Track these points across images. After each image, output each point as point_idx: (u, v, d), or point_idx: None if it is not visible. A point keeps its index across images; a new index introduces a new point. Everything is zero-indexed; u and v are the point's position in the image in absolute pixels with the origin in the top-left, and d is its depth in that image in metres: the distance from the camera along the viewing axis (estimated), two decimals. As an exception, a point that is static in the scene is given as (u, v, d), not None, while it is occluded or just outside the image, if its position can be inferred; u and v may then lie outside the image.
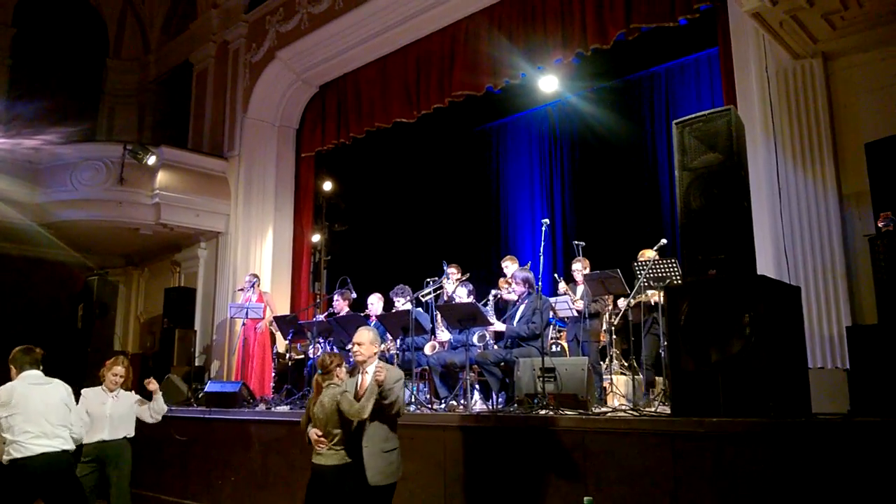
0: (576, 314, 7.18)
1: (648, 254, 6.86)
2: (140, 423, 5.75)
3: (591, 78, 10.03)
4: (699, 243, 4.68)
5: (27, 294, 11.76)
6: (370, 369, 4.47)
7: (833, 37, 5.87)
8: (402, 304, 7.62)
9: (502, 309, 7.52)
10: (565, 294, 7.32)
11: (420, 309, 7.48)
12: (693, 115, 4.88)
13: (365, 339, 4.55)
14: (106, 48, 14.22)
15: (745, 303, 4.32)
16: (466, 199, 12.30)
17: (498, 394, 6.69)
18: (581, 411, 5.31)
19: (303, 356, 9.18)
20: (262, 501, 6.99)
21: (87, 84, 13.92)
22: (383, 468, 4.32)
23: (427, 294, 7.42)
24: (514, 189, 11.84)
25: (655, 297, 6.52)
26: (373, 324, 7.75)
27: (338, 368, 4.63)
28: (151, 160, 10.53)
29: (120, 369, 5.58)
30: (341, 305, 8.48)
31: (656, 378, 6.65)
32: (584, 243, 7.56)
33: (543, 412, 5.31)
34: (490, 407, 6.44)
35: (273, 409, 7.70)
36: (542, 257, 6.43)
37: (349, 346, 4.75)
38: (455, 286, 7.66)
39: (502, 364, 6.67)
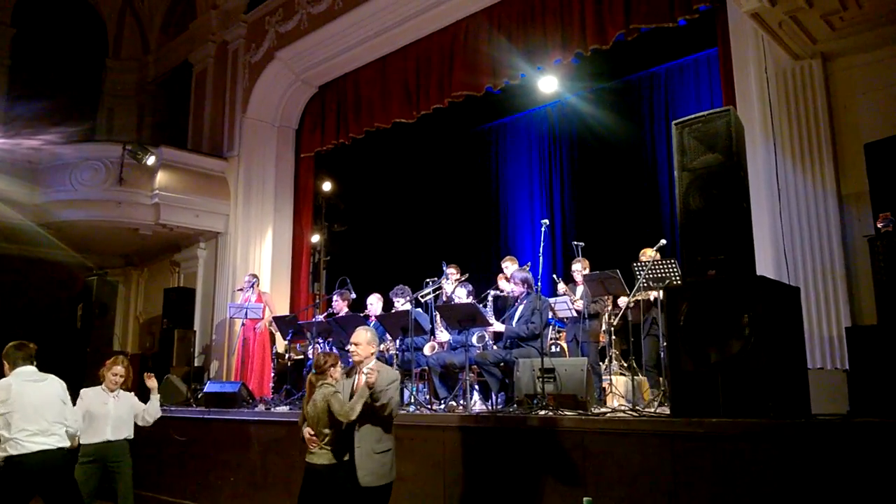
0: (575, 315, 7.17)
1: (650, 253, 6.85)
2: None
3: (591, 78, 10.04)
4: (698, 244, 4.68)
5: (26, 294, 11.76)
6: (366, 370, 4.47)
7: (832, 37, 5.87)
8: (401, 304, 7.62)
9: (501, 309, 7.51)
10: (565, 294, 7.31)
11: (419, 309, 7.48)
12: (692, 116, 4.88)
13: (362, 340, 4.54)
14: (105, 48, 14.22)
15: (744, 303, 4.32)
16: (466, 200, 12.30)
17: (497, 394, 6.69)
18: (580, 412, 5.31)
19: (302, 356, 9.18)
20: (261, 502, 6.99)
21: (86, 84, 13.91)
22: (375, 469, 4.30)
23: (426, 294, 7.42)
24: (513, 189, 11.84)
25: (653, 292, 6.53)
26: (372, 324, 7.74)
27: (332, 368, 4.62)
28: (151, 160, 10.53)
29: (120, 369, 5.56)
30: (340, 306, 8.48)
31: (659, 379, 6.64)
32: (583, 244, 7.56)
33: (543, 413, 5.31)
34: (489, 407, 6.44)
35: (272, 409, 7.70)
36: (541, 258, 6.43)
37: (348, 347, 4.75)
38: (454, 287, 7.66)
39: (502, 364, 6.67)
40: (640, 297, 6.62)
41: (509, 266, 7.94)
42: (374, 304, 8.17)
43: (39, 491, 4.81)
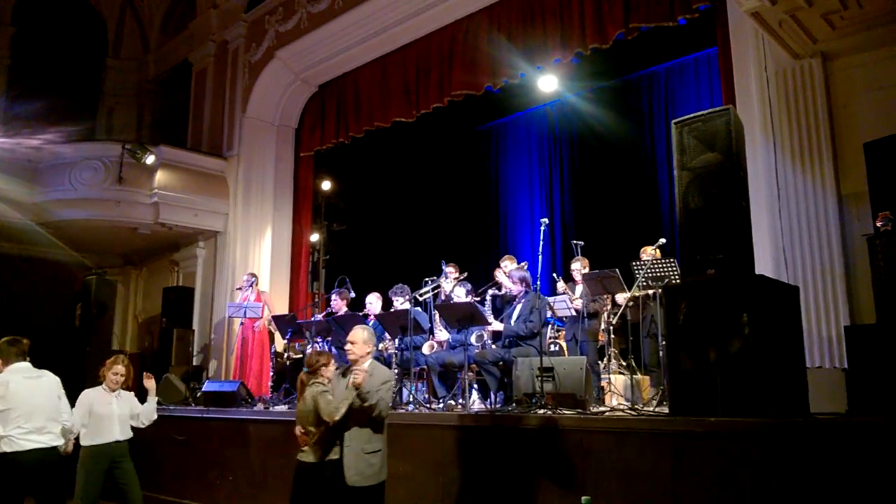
0: (574, 314, 7.17)
1: (650, 251, 6.85)
2: None
3: (591, 78, 10.03)
4: (698, 243, 4.67)
5: (25, 293, 11.75)
6: (354, 370, 4.46)
7: (832, 37, 5.86)
8: (400, 303, 7.62)
9: (499, 308, 7.51)
10: (564, 293, 7.31)
11: (418, 308, 7.48)
12: (692, 115, 4.88)
13: (358, 339, 4.52)
14: (105, 48, 14.22)
15: (743, 302, 4.32)
16: (465, 199, 12.30)
17: (496, 393, 6.69)
18: (579, 411, 5.30)
19: (301, 356, 9.16)
20: (260, 501, 6.99)
21: (86, 83, 13.91)
22: (363, 469, 4.27)
23: (425, 293, 7.42)
24: (513, 189, 11.85)
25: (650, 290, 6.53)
26: (371, 323, 7.74)
27: (324, 368, 4.61)
28: (150, 159, 10.53)
29: (120, 368, 5.52)
30: (340, 305, 8.47)
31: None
32: (582, 243, 7.56)
33: (542, 412, 5.31)
34: (488, 406, 6.44)
35: (271, 408, 7.70)
36: (540, 257, 6.42)
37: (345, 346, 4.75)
38: (453, 285, 7.67)
39: (500, 363, 6.67)
40: (637, 294, 6.60)
41: (508, 265, 7.94)
42: (373, 303, 8.16)
43: (31, 489, 4.80)
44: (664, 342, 5.29)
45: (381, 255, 12.45)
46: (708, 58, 8.96)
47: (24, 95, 12.25)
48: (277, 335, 9.53)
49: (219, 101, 11.95)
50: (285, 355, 9.31)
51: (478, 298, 7.58)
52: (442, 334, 7.69)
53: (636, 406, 5.49)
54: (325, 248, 12.41)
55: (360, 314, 8.03)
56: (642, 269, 6.24)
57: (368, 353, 4.56)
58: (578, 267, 7.39)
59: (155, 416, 5.74)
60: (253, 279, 10.03)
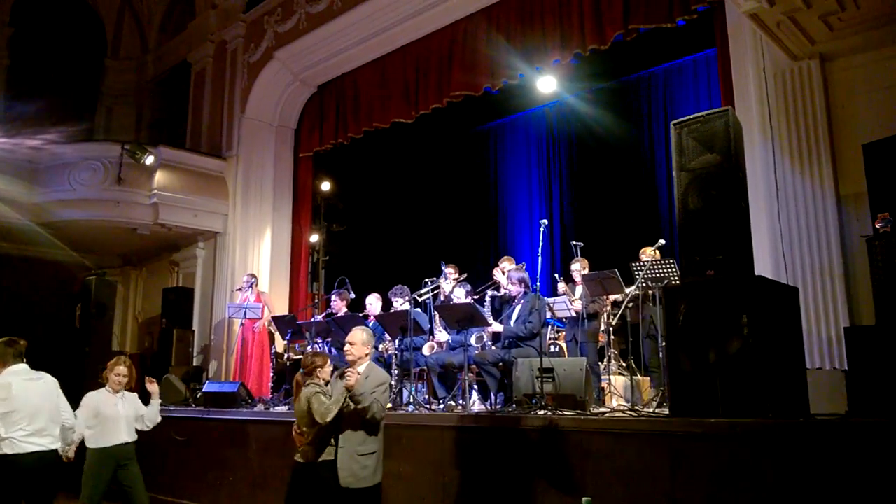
0: (574, 314, 7.18)
1: (650, 251, 6.86)
2: None
3: (590, 79, 10.04)
4: (697, 244, 4.68)
5: (25, 294, 11.75)
6: (360, 370, 4.47)
7: (830, 38, 5.88)
8: (400, 304, 7.63)
9: (498, 309, 7.52)
10: (564, 294, 7.32)
11: (418, 309, 7.48)
12: (691, 116, 4.89)
13: (357, 340, 4.53)
14: (104, 48, 14.21)
15: (742, 303, 4.33)
16: (464, 200, 12.30)
17: (496, 394, 6.69)
18: (579, 412, 5.31)
19: (301, 357, 9.17)
20: (259, 501, 6.99)
21: (84, 84, 13.90)
22: (356, 471, 4.27)
23: (425, 294, 7.42)
24: (512, 189, 11.85)
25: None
26: (371, 324, 7.75)
27: (319, 369, 4.62)
28: (149, 160, 10.53)
29: (122, 369, 5.48)
30: (339, 306, 8.48)
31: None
32: (582, 244, 7.57)
33: (542, 413, 5.31)
34: (488, 407, 6.44)
35: (271, 409, 7.70)
36: (540, 258, 6.43)
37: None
38: (453, 286, 7.67)
39: (500, 364, 6.68)
40: (635, 291, 6.59)
41: (506, 266, 7.94)
42: (373, 303, 8.17)
43: (28, 492, 4.80)
44: (664, 343, 5.30)
45: (381, 256, 12.45)
46: (707, 59, 8.97)
47: (22, 96, 12.23)
48: (277, 336, 9.54)
49: (218, 101, 11.96)
50: (285, 356, 9.30)
51: (476, 297, 7.59)
52: (442, 335, 7.69)
53: (636, 407, 5.50)
54: (324, 249, 12.42)
55: (360, 315, 8.03)
56: (642, 270, 6.25)
57: (367, 355, 4.56)
58: (578, 268, 7.39)
59: (159, 419, 5.73)
60: (253, 280, 10.04)
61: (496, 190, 12.08)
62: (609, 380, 6.57)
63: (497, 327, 7.00)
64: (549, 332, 7.66)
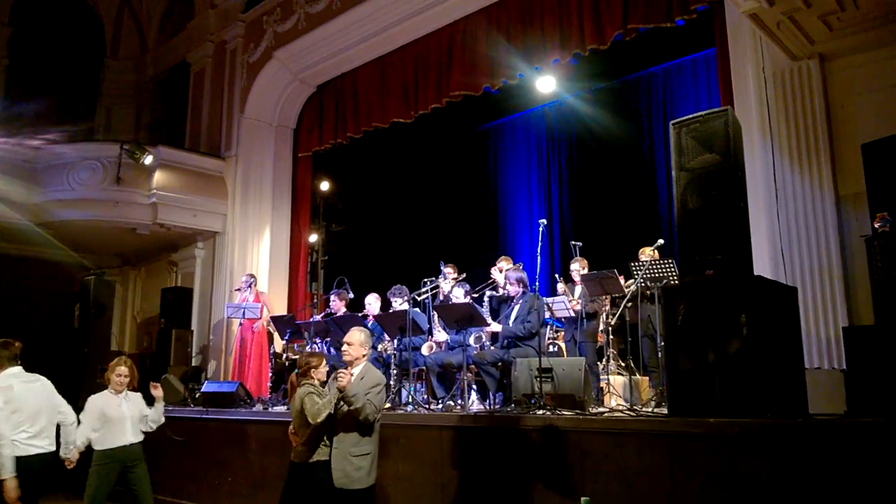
0: (573, 314, 7.18)
1: (649, 251, 6.86)
2: None
3: (589, 78, 10.04)
4: (696, 244, 4.68)
5: (24, 294, 11.74)
6: (356, 371, 4.46)
7: (830, 38, 5.87)
8: (399, 304, 7.62)
9: (495, 309, 7.51)
10: (563, 294, 7.32)
11: (417, 309, 7.48)
12: (690, 116, 4.89)
13: (355, 341, 4.53)
14: (103, 48, 14.20)
15: (741, 303, 4.33)
16: (464, 200, 12.30)
17: (495, 394, 6.69)
18: (578, 412, 5.31)
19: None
20: (259, 501, 6.99)
21: (84, 84, 13.89)
22: (350, 472, 4.27)
23: (424, 294, 7.42)
24: (511, 189, 11.85)
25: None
26: (370, 324, 7.75)
27: (313, 370, 4.61)
28: (148, 160, 10.52)
29: (123, 369, 5.45)
30: (338, 305, 8.47)
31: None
32: (581, 243, 7.57)
33: (540, 412, 5.31)
34: (487, 407, 6.44)
35: (270, 409, 7.69)
36: (539, 257, 6.43)
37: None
38: (452, 286, 7.67)
39: (499, 364, 6.67)
40: (633, 287, 6.60)
41: (504, 266, 7.94)
42: (372, 303, 8.17)
43: (26, 494, 4.79)
44: (663, 343, 5.30)
45: (380, 256, 12.45)
46: (706, 59, 8.98)
47: (21, 96, 12.24)
48: (276, 336, 9.53)
49: (217, 101, 11.95)
50: (284, 356, 9.30)
51: (475, 295, 7.59)
52: (441, 335, 7.69)
53: (635, 407, 5.50)
54: (323, 249, 12.42)
55: (359, 315, 8.03)
56: (641, 270, 6.25)
57: (364, 355, 4.56)
58: (577, 268, 7.40)
59: (162, 420, 5.70)
60: (251, 280, 10.03)
61: (495, 190, 12.08)
62: (608, 379, 6.57)
63: (496, 327, 7.00)
64: (548, 332, 7.66)
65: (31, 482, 4.76)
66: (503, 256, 8.23)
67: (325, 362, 4.73)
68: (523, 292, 6.92)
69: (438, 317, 7.38)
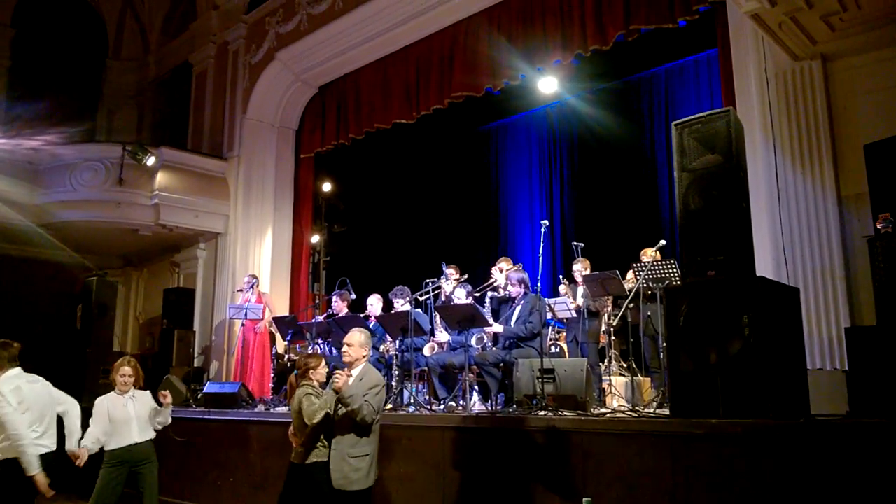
0: (574, 315, 7.17)
1: (650, 252, 6.86)
2: None
3: (591, 79, 10.04)
4: (698, 244, 4.68)
5: (26, 295, 11.75)
6: (356, 372, 4.46)
7: (832, 38, 5.87)
8: (401, 305, 7.62)
9: (496, 310, 7.51)
10: (565, 295, 7.32)
11: (419, 310, 7.48)
12: (692, 117, 4.89)
13: (354, 341, 4.53)
14: (105, 49, 14.23)
15: (743, 304, 4.33)
16: (466, 201, 12.30)
17: (497, 395, 6.69)
18: (580, 412, 5.31)
19: (301, 357, 9.16)
20: (260, 502, 6.99)
21: (86, 85, 13.92)
22: (348, 473, 4.26)
23: (426, 295, 7.42)
24: (513, 190, 11.85)
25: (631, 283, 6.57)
26: (372, 325, 7.75)
27: (312, 371, 4.61)
28: (150, 161, 10.54)
29: (127, 369, 5.41)
30: (340, 306, 8.48)
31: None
32: (583, 244, 7.57)
33: (542, 413, 5.31)
34: (489, 408, 6.43)
35: (272, 409, 7.69)
36: (541, 258, 6.43)
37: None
38: (454, 287, 7.67)
39: (501, 365, 6.67)
40: (635, 285, 6.60)
41: (504, 267, 7.94)
42: (374, 304, 8.18)
43: (27, 492, 4.81)
44: (664, 344, 5.30)
45: (382, 257, 12.45)
46: (708, 59, 8.97)
47: (24, 97, 12.26)
48: (278, 337, 9.54)
49: (219, 102, 11.97)
50: (286, 357, 9.30)
51: (477, 295, 7.59)
52: (442, 336, 7.69)
53: (637, 408, 5.49)
54: (325, 250, 12.42)
55: (361, 316, 8.03)
56: (643, 271, 6.25)
57: (365, 356, 4.56)
58: (580, 268, 7.40)
59: (169, 422, 5.64)
60: (254, 280, 10.04)
61: (497, 190, 12.08)
62: (610, 380, 6.56)
63: (497, 328, 6.99)
64: (550, 333, 7.66)
65: (22, 483, 4.77)
66: (503, 257, 8.23)
67: (323, 363, 4.72)
68: (525, 293, 6.92)
69: (440, 318, 7.38)
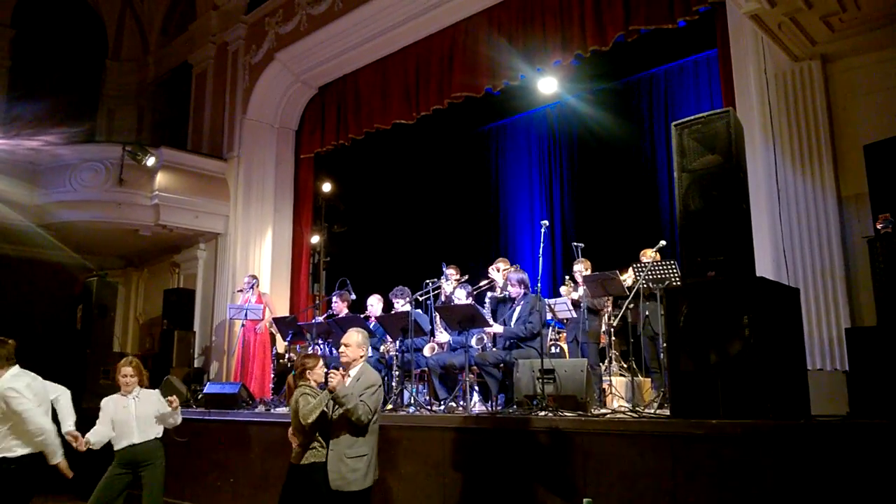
0: (574, 315, 7.18)
1: (650, 253, 6.87)
2: None
3: (591, 79, 10.04)
4: (698, 245, 4.68)
5: (26, 295, 11.76)
6: (353, 372, 4.46)
7: (831, 39, 5.87)
8: (401, 305, 7.62)
9: (493, 310, 7.51)
10: (566, 296, 7.33)
11: (419, 310, 7.48)
12: (692, 117, 4.89)
13: (352, 342, 4.52)
14: (105, 49, 14.23)
15: (744, 304, 4.33)
16: (465, 201, 12.31)
17: (497, 395, 6.69)
18: (580, 413, 5.31)
19: (301, 358, 9.16)
20: (261, 503, 6.99)
21: (86, 85, 13.92)
22: (345, 474, 4.25)
23: (426, 295, 7.42)
24: (513, 190, 11.85)
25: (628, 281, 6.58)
26: (372, 325, 7.75)
27: (309, 371, 4.60)
28: (150, 161, 10.54)
29: (128, 370, 5.37)
30: (340, 307, 8.48)
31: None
32: (583, 245, 7.57)
33: (542, 414, 5.31)
34: (489, 408, 6.44)
35: (272, 410, 7.69)
36: (541, 259, 6.43)
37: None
38: (454, 287, 7.67)
39: (501, 365, 6.67)
40: (634, 283, 6.61)
41: (501, 267, 7.94)
42: (374, 305, 8.18)
43: (27, 490, 4.83)
44: (664, 344, 5.30)
45: (382, 257, 12.46)
46: (708, 60, 8.97)
47: (24, 97, 12.26)
48: (279, 337, 9.54)
49: (219, 102, 11.97)
50: (286, 357, 9.31)
51: (475, 292, 7.59)
52: (443, 336, 7.69)
53: (637, 408, 5.50)
54: (325, 250, 12.43)
55: (361, 316, 8.03)
56: (643, 272, 6.25)
57: (362, 357, 4.55)
58: (580, 269, 7.41)
59: (179, 421, 5.57)
60: (254, 281, 10.04)
61: (497, 191, 12.08)
62: (610, 381, 6.57)
63: (497, 329, 6.99)
64: (550, 333, 7.66)
65: (33, 477, 4.79)
66: (500, 258, 8.23)
67: (321, 363, 4.71)
68: (525, 293, 6.92)
69: (440, 318, 7.38)
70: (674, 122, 4.99)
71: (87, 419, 5.34)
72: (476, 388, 7.04)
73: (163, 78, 13.98)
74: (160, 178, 10.73)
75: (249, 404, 8.21)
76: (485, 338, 7.24)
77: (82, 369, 10.31)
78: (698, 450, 4.18)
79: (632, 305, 6.57)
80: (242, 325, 9.85)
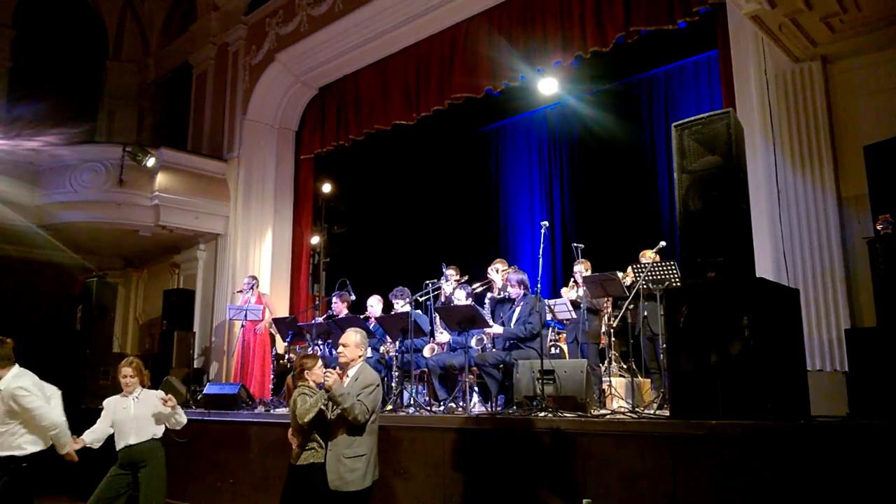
0: (574, 316, 7.17)
1: (649, 254, 6.87)
2: None
3: (591, 80, 10.05)
4: (698, 246, 4.68)
5: (26, 296, 11.75)
6: (351, 372, 4.46)
7: (832, 40, 5.87)
8: (401, 306, 7.63)
9: (492, 310, 7.51)
10: (565, 297, 7.33)
11: (419, 311, 7.48)
12: (692, 118, 4.89)
13: (350, 342, 4.52)
14: (105, 50, 14.23)
15: (744, 305, 4.33)
16: (466, 202, 12.32)
17: (497, 396, 6.69)
18: (580, 413, 5.31)
19: (301, 358, 9.16)
20: (261, 503, 6.99)
21: (86, 86, 13.93)
22: (344, 474, 4.24)
23: (426, 296, 7.42)
24: (513, 191, 11.86)
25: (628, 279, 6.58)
26: (372, 326, 7.75)
27: (307, 371, 4.60)
28: (151, 162, 10.54)
29: (128, 370, 5.34)
30: (340, 307, 8.48)
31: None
32: (583, 245, 7.57)
33: (542, 414, 5.31)
34: (489, 409, 6.44)
35: (272, 411, 7.69)
36: (541, 259, 6.43)
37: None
38: (454, 288, 7.67)
39: (501, 366, 6.67)
40: (634, 281, 6.61)
41: (500, 267, 7.94)
42: (374, 305, 8.18)
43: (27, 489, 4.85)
44: (664, 345, 5.30)
45: (382, 258, 12.46)
46: (708, 61, 8.98)
47: (24, 98, 12.26)
48: (278, 338, 9.54)
49: (219, 103, 11.97)
50: (286, 357, 9.30)
51: (474, 293, 7.59)
52: (442, 337, 7.69)
53: (637, 409, 5.49)
54: (325, 251, 12.43)
55: (361, 317, 8.03)
56: (642, 272, 6.25)
57: (360, 357, 4.55)
58: (581, 269, 7.41)
59: (184, 421, 5.51)
60: (254, 281, 10.04)
61: (497, 192, 12.09)
62: (610, 381, 6.56)
63: (497, 329, 6.99)
64: (550, 334, 7.66)
65: (34, 477, 4.81)
66: (498, 259, 8.23)
67: (320, 363, 4.71)
68: (524, 294, 6.92)
69: (440, 319, 7.38)
70: (674, 123, 4.99)
71: (87, 419, 5.34)
72: (476, 388, 7.04)
73: (163, 79, 13.99)
74: (160, 179, 10.73)
75: (249, 405, 8.21)
76: (484, 338, 7.24)
77: (82, 370, 10.31)
78: (698, 450, 4.18)
79: (631, 306, 6.58)
80: (242, 326, 9.85)
